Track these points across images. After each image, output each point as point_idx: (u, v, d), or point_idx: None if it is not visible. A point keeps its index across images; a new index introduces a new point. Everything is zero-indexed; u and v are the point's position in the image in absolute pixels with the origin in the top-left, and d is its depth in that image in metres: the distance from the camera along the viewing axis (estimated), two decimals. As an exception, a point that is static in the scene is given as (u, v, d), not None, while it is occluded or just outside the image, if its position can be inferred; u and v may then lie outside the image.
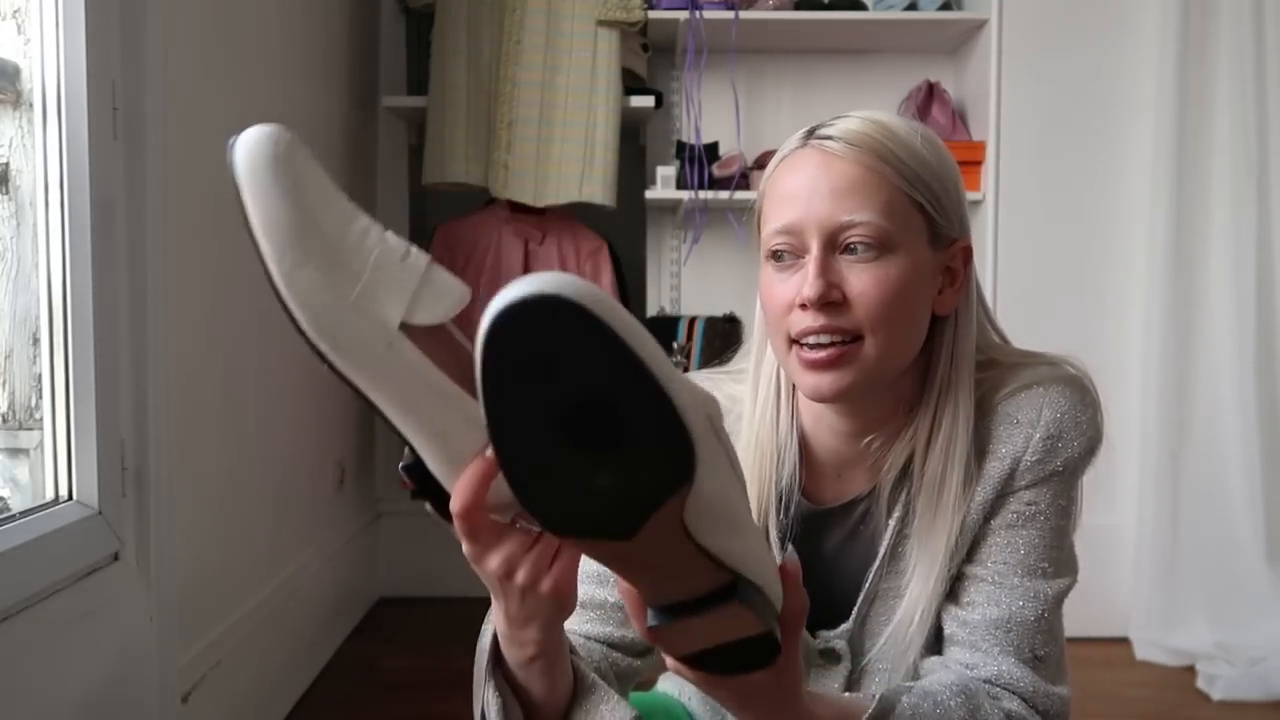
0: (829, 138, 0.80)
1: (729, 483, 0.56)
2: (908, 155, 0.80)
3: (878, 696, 0.78)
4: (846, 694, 0.87)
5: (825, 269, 0.78)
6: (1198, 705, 2.08)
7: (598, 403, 0.47)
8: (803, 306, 0.79)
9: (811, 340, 0.79)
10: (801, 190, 0.80)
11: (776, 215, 0.81)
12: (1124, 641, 2.36)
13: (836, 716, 0.75)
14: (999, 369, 0.87)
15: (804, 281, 0.78)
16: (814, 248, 0.79)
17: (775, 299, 0.81)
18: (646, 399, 0.47)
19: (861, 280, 0.78)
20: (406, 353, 0.55)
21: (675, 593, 0.57)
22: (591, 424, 0.47)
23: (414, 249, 0.57)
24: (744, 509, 0.59)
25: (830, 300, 0.78)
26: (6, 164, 1.31)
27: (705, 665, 0.61)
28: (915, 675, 0.87)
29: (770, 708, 0.70)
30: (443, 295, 0.55)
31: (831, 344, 0.79)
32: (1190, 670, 2.21)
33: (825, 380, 0.79)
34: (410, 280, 0.55)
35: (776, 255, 0.81)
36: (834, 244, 0.79)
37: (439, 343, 0.56)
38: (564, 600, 0.65)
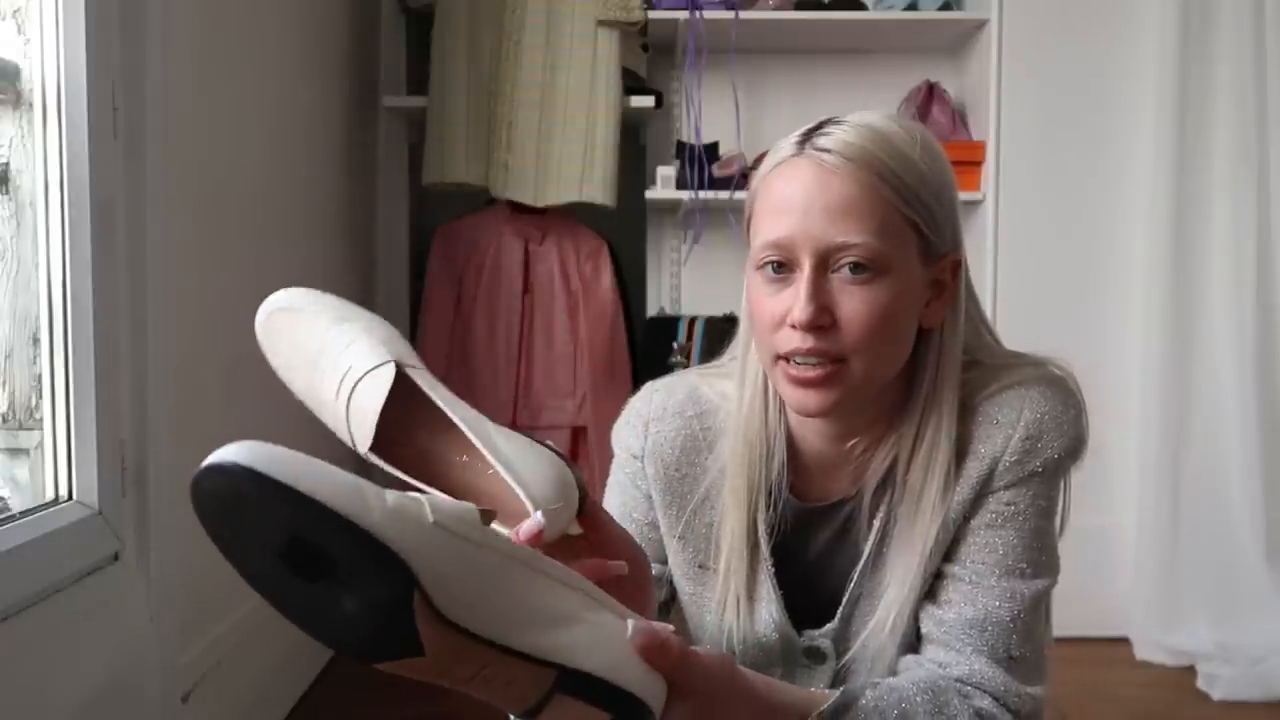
0: (826, 150, 0.78)
1: (510, 580, 0.58)
2: (906, 171, 0.78)
3: (841, 689, 0.78)
4: (813, 688, 0.87)
5: (817, 291, 0.78)
6: (1198, 705, 2.08)
7: (296, 542, 0.52)
8: (793, 326, 0.78)
9: (799, 360, 0.79)
10: (795, 204, 0.78)
11: (768, 227, 0.80)
12: (1124, 641, 2.36)
13: (797, 707, 0.75)
14: (983, 369, 0.87)
15: (794, 299, 0.78)
16: (806, 267, 0.78)
17: (764, 313, 0.81)
18: (329, 526, 0.52)
19: (853, 302, 0.78)
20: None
21: (524, 698, 0.59)
22: (305, 560, 0.53)
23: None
24: (566, 602, 0.60)
25: (820, 324, 0.78)
26: (6, 164, 1.31)
27: None
28: (894, 673, 0.87)
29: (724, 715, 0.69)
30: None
31: (819, 363, 0.78)
32: (1190, 670, 2.21)
33: (812, 398, 0.80)
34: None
35: (767, 266, 0.80)
36: (826, 264, 0.78)
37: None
38: None
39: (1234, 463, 2.32)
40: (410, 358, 0.73)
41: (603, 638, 0.61)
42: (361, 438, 0.70)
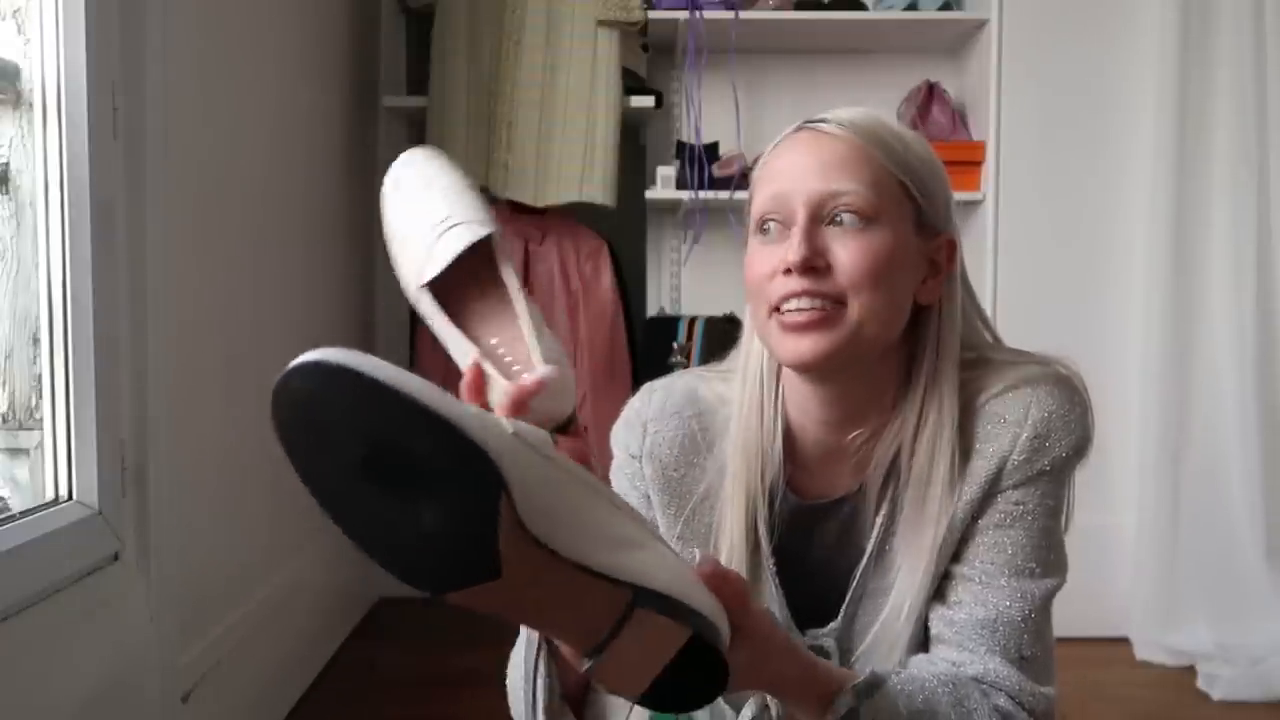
0: (823, 121, 0.82)
1: (583, 499, 0.58)
2: (897, 141, 0.82)
3: (870, 670, 0.78)
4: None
5: (811, 235, 0.79)
6: (1198, 705, 2.07)
7: (383, 445, 0.51)
8: (786, 272, 0.79)
9: (793, 305, 0.79)
10: (792, 166, 0.82)
11: (766, 189, 0.83)
12: (1124, 641, 2.36)
13: (833, 675, 0.76)
14: (987, 368, 0.87)
15: (788, 249, 0.79)
16: (800, 217, 0.80)
17: (758, 268, 0.82)
18: (421, 425, 0.51)
19: (847, 248, 0.79)
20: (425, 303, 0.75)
21: (595, 628, 0.58)
22: (389, 467, 0.51)
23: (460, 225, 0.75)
24: (630, 529, 0.61)
25: (814, 266, 0.79)
26: (6, 164, 1.31)
27: (662, 701, 0.61)
28: None
29: (752, 676, 0.70)
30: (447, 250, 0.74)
31: (813, 308, 0.79)
32: (1190, 670, 2.21)
33: (805, 344, 0.79)
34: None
35: (763, 227, 0.83)
36: (820, 215, 0.80)
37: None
38: None
39: (1234, 463, 2.32)
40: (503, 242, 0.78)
41: (669, 563, 0.61)
42: (430, 270, 0.74)
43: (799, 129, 0.84)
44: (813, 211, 0.80)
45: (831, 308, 0.79)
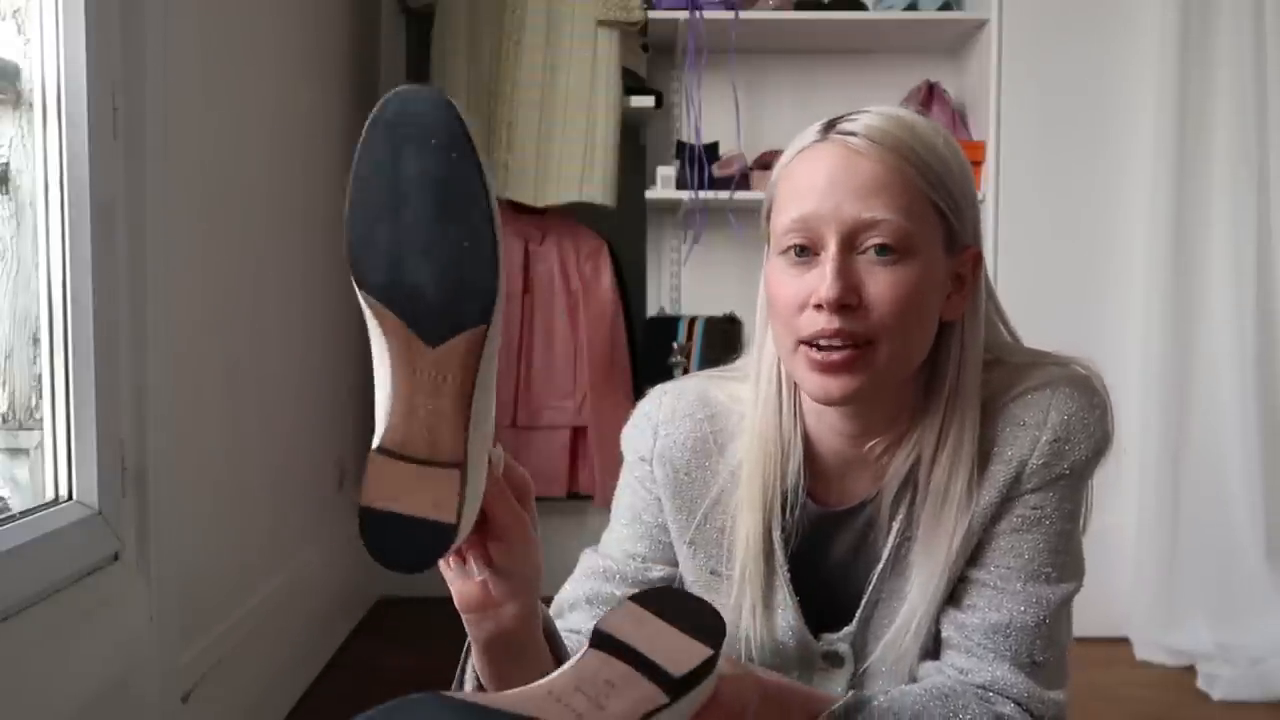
0: (852, 133, 0.77)
1: None
2: (932, 158, 0.78)
3: (852, 691, 0.78)
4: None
5: (844, 270, 0.76)
6: (1198, 705, 2.07)
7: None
8: (818, 307, 0.76)
9: (823, 343, 0.77)
10: (821, 184, 0.77)
11: (793, 206, 0.79)
12: (1124, 641, 2.36)
13: (814, 698, 0.76)
14: (1005, 369, 0.85)
15: (820, 280, 0.76)
16: (832, 246, 0.76)
17: (785, 297, 0.79)
18: None
19: (880, 284, 0.76)
20: None
21: None
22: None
23: None
24: None
25: (847, 303, 0.76)
26: (6, 164, 1.31)
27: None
28: (914, 679, 0.86)
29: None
30: None
31: (844, 347, 0.76)
32: (1190, 670, 2.21)
33: (835, 384, 0.77)
34: None
35: (790, 249, 0.79)
36: (853, 244, 0.77)
37: None
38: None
39: (1234, 463, 2.32)
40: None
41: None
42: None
43: (826, 136, 0.79)
44: (845, 241, 0.76)
45: (862, 347, 0.77)
